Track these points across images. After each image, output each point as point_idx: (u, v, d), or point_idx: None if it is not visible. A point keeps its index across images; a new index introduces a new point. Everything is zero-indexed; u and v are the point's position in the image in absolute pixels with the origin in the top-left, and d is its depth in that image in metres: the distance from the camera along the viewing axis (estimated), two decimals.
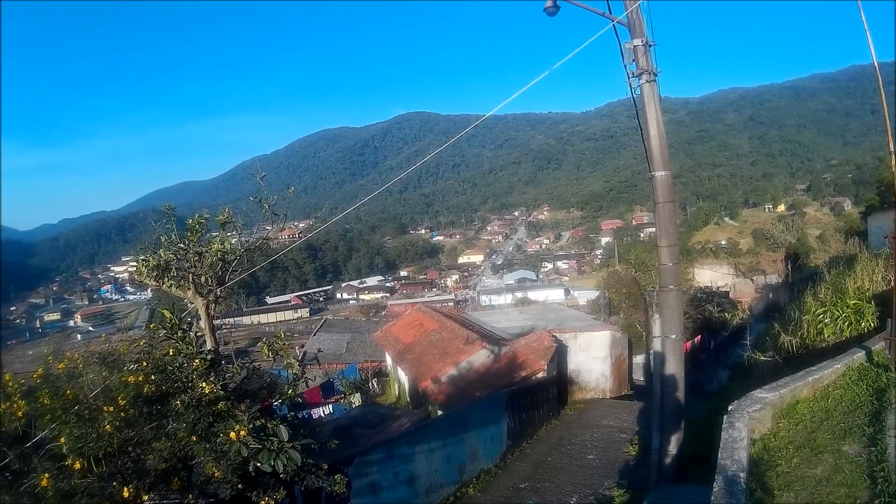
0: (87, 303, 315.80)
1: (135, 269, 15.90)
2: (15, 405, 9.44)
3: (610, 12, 15.70)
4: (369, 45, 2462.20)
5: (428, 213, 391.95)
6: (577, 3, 15.85)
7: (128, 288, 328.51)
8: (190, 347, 10.63)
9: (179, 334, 10.72)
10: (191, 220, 15.21)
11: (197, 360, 10.36)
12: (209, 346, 13.46)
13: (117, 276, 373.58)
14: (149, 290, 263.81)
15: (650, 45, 15.58)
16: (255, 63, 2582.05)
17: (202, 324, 14.68)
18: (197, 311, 15.05)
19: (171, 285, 15.22)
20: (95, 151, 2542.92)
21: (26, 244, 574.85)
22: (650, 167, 15.90)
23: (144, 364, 10.33)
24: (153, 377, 9.98)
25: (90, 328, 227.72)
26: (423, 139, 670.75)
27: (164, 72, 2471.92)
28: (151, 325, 11.45)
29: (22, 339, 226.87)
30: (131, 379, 9.70)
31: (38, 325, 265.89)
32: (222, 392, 10.07)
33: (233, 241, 15.55)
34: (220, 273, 15.50)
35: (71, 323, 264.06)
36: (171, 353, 10.56)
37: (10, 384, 9.91)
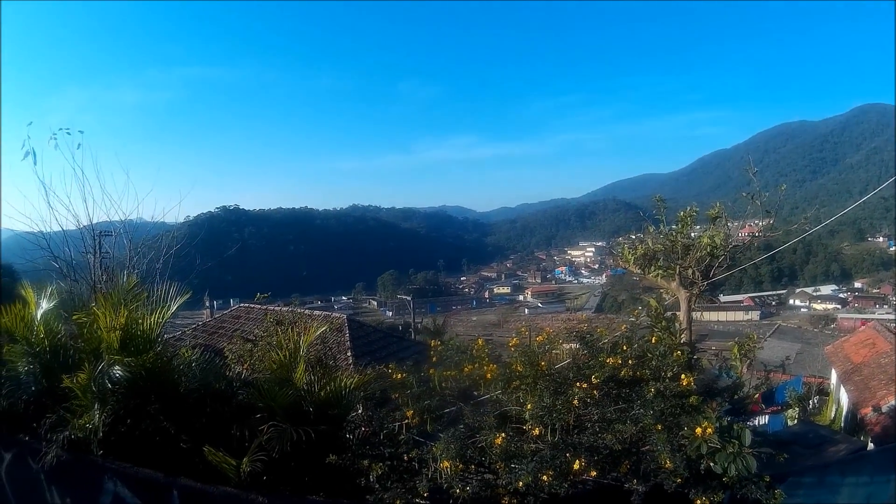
0: (538, 281, 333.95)
1: (619, 254, 16.01)
2: (486, 367, 10.07)
3: None
4: (826, 35, 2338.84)
5: (887, 218, 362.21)
6: None
7: (582, 271, 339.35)
8: (673, 338, 10.40)
9: (663, 324, 10.48)
10: (682, 213, 15.01)
11: (678, 352, 9.99)
12: (685, 338, 13.12)
13: (573, 259, 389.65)
14: (603, 276, 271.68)
15: None
16: (717, 58, 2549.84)
17: (681, 316, 14.42)
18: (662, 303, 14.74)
19: (657, 275, 15.10)
20: (559, 145, 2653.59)
21: (483, 224, 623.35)
22: None
23: (625, 348, 10.26)
24: (630, 362, 9.87)
25: (539, 304, 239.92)
26: (882, 134, 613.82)
27: (629, 69, 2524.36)
28: (634, 312, 11.35)
29: (468, 307, 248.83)
30: (610, 360, 9.69)
31: (486, 296, 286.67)
32: (694, 386, 9.64)
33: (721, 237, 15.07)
34: (704, 268, 15.13)
35: (520, 297, 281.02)
36: (653, 342, 10.36)
37: (482, 349, 10.58)
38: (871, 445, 26.17)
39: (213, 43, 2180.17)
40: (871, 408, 29.20)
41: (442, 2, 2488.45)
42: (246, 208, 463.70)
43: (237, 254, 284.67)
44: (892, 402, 28.67)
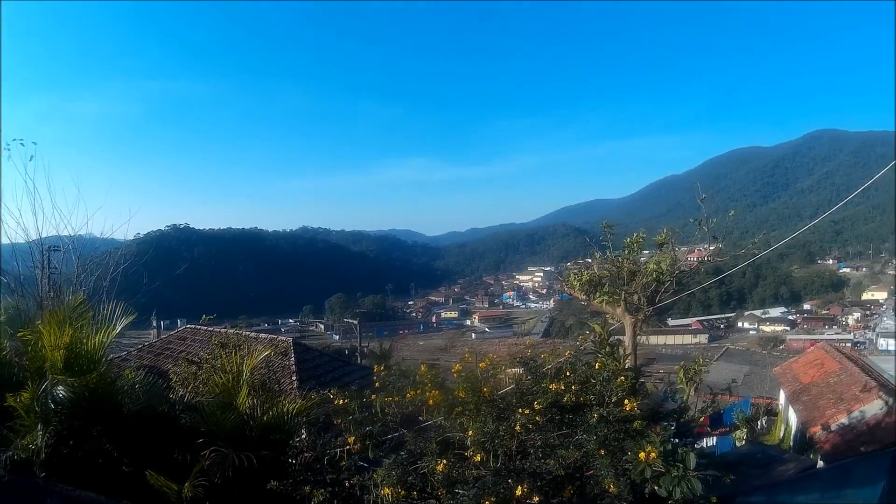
0: (486, 306, 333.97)
1: (566, 281, 16.16)
2: (428, 393, 10.00)
3: None
4: (784, 59, 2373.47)
5: (837, 241, 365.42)
6: None
7: (530, 296, 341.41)
8: (616, 364, 10.49)
9: (607, 349, 10.59)
10: (629, 239, 15.19)
11: (621, 377, 10.07)
12: (630, 363, 13.24)
13: (521, 284, 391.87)
14: (551, 301, 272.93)
15: None
16: (674, 83, 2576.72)
17: (626, 341, 14.53)
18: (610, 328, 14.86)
19: (602, 301, 15.23)
20: (513, 168, 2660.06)
21: (433, 248, 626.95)
22: None
23: (568, 374, 10.31)
24: (574, 387, 9.95)
25: (486, 329, 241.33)
26: (833, 159, 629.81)
27: (588, 93, 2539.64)
28: (580, 337, 11.49)
29: (416, 331, 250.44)
30: (553, 386, 9.81)
31: (434, 321, 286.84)
32: (638, 411, 9.72)
33: (667, 262, 15.24)
34: (651, 293, 15.27)
35: (468, 322, 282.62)
36: (597, 367, 10.42)
37: (425, 375, 10.52)
38: (820, 463, 26.58)
39: (175, 58, 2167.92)
40: (820, 426, 29.56)
41: (405, 23, 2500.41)
42: (196, 227, 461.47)
43: (186, 273, 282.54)
44: (842, 421, 29.06)
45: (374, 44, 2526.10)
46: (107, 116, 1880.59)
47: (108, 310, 10.62)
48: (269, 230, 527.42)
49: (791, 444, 36.25)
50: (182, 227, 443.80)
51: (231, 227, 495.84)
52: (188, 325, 34.89)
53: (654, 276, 14.88)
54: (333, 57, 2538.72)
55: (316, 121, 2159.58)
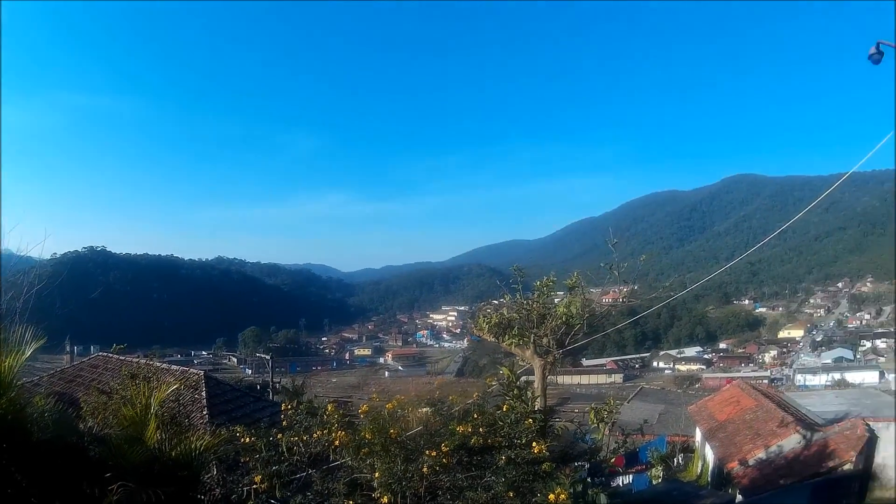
0: (400, 344, 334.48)
1: (476, 323, 16.27)
2: (334, 434, 10.01)
3: None
4: (702, 107, 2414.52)
5: (753, 282, 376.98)
6: None
7: (444, 336, 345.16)
8: (525, 406, 10.60)
9: (515, 392, 10.71)
10: (539, 283, 15.31)
11: (529, 420, 10.20)
12: (539, 406, 13.39)
13: (435, 322, 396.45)
14: (465, 341, 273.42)
15: None
16: (592, 128, 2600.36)
17: (535, 384, 14.66)
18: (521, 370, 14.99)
19: (511, 343, 15.33)
20: (432, 206, 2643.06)
21: (347, 284, 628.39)
22: None
23: (476, 416, 10.35)
24: (482, 430, 10.04)
25: (399, 368, 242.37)
26: (751, 203, 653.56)
27: (502, 134, 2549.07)
28: (487, 379, 11.59)
29: (329, 367, 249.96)
30: (460, 428, 9.88)
31: (347, 357, 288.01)
32: (547, 453, 9.86)
33: (577, 305, 15.40)
34: (560, 336, 15.43)
35: (381, 360, 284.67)
36: (504, 409, 10.49)
37: (332, 415, 10.53)
38: (739, 497, 27.07)
39: (98, 70, 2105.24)
40: (737, 462, 30.00)
41: (327, 54, 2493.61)
42: (113, 251, 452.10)
43: (101, 298, 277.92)
44: (760, 455, 29.55)
45: (296, 74, 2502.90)
46: (26, 128, 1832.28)
47: (19, 332, 10.46)
48: (185, 258, 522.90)
49: (709, 480, 36.70)
50: (99, 249, 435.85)
51: (148, 253, 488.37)
52: (101, 353, 34.35)
53: (564, 319, 15.02)
54: (254, 85, 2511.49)
55: (234, 149, 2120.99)
